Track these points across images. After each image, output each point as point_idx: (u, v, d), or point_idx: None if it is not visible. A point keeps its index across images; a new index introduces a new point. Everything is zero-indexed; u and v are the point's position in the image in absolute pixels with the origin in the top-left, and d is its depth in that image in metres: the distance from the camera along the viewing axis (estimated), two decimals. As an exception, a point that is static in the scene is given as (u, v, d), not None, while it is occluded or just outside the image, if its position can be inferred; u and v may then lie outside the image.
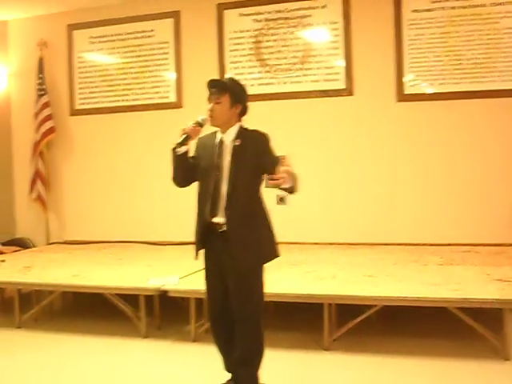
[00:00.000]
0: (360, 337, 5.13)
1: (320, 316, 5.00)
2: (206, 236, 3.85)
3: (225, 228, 3.76)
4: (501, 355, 4.67)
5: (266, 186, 3.69)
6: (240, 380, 3.94)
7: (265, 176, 3.73)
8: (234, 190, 3.72)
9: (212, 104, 3.77)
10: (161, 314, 5.79)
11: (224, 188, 3.75)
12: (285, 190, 3.61)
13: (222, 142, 3.82)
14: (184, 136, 3.77)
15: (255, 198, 3.87)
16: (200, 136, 3.91)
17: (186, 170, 3.89)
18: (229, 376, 4.07)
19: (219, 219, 3.77)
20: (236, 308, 3.83)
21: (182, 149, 3.79)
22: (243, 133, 3.84)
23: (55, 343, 5.49)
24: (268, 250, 3.89)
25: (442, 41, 6.82)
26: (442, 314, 5.09)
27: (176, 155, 3.82)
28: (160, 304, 5.75)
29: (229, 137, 3.82)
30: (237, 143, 3.78)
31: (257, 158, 3.75)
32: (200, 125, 3.80)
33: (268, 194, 3.96)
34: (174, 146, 3.81)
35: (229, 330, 3.91)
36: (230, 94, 3.77)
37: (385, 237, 6.97)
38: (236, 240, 3.74)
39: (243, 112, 3.88)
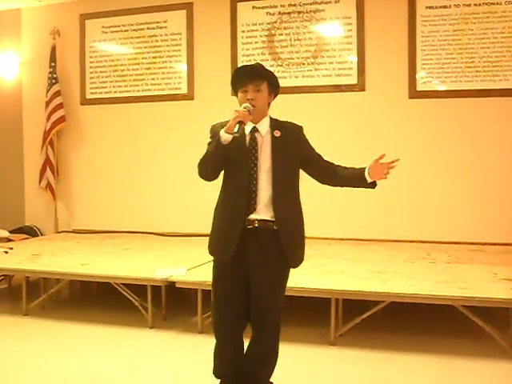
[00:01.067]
0: (367, 333, 5.13)
1: (327, 311, 5.01)
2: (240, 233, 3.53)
3: (257, 224, 3.51)
4: (508, 354, 4.66)
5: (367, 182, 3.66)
6: (257, 381, 3.77)
7: (368, 169, 3.66)
8: (279, 185, 3.52)
9: (251, 92, 3.50)
10: (167, 304, 5.80)
11: (262, 182, 3.51)
12: (372, 185, 3.67)
13: (256, 130, 3.57)
14: (239, 124, 3.38)
15: (296, 192, 3.69)
16: (215, 124, 3.62)
17: (223, 161, 3.53)
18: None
19: (256, 215, 3.52)
20: (263, 307, 3.59)
21: (229, 138, 3.40)
22: (278, 124, 3.63)
23: (62, 331, 5.51)
24: (304, 247, 3.76)
25: (455, 38, 6.80)
26: (449, 312, 5.08)
27: (223, 145, 3.42)
28: (167, 295, 5.77)
29: (263, 127, 3.57)
30: (276, 134, 3.56)
31: (300, 151, 3.62)
32: (249, 112, 3.44)
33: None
34: (222, 135, 3.41)
35: (240, 337, 3.75)
36: (267, 80, 3.58)
37: (394, 233, 6.97)
38: (287, 237, 3.54)
39: (272, 101, 3.69)
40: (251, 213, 3.51)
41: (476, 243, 6.65)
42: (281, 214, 3.53)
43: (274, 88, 3.66)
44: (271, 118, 3.66)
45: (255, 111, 3.49)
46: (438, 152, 6.91)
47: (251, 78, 3.53)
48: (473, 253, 6.29)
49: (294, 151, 3.60)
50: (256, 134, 3.56)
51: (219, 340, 3.78)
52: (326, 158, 3.78)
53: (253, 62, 7.25)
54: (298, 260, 3.69)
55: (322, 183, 3.85)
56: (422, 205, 6.96)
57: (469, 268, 5.59)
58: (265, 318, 3.63)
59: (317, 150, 3.77)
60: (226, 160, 3.51)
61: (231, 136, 3.40)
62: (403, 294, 4.77)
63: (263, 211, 3.52)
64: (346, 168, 3.77)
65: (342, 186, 3.82)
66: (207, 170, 3.59)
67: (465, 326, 5.02)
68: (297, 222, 3.67)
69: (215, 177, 3.61)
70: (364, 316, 5.02)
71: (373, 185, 3.66)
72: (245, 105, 3.47)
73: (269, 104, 3.67)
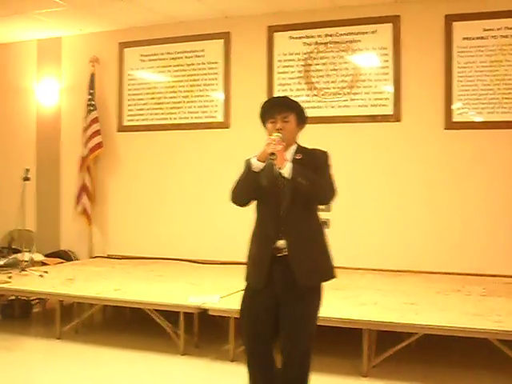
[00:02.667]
0: (399, 365, 5.08)
1: (359, 342, 4.96)
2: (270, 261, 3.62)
3: (286, 253, 3.58)
4: (543, 390, 4.58)
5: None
6: None
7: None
8: (294, 208, 3.58)
9: (280, 122, 3.66)
10: (200, 332, 5.80)
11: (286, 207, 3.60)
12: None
13: None
14: (272, 154, 3.49)
15: (314, 214, 3.74)
16: (249, 158, 3.67)
17: (254, 189, 3.65)
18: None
19: (283, 242, 3.60)
20: (289, 332, 3.62)
21: (260, 165, 3.57)
22: (303, 150, 3.73)
23: (94, 355, 5.54)
24: (327, 270, 3.74)
25: (492, 69, 6.77)
26: (483, 346, 5.01)
27: (253, 172, 3.58)
28: (199, 322, 5.77)
29: (289, 155, 3.65)
30: (297, 157, 3.65)
31: (314, 169, 3.62)
32: (282, 139, 3.57)
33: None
34: (253, 163, 3.58)
35: (269, 367, 3.74)
36: (295, 112, 3.72)
37: (429, 265, 6.90)
38: (298, 261, 3.56)
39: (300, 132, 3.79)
40: (279, 239, 3.59)
41: (512, 276, 6.56)
42: (291, 239, 3.58)
43: (302, 119, 3.78)
44: (299, 146, 3.77)
45: (284, 141, 3.58)
46: (475, 183, 6.84)
47: (280, 110, 3.69)
48: (508, 286, 6.20)
49: (312, 170, 3.61)
50: None
51: (248, 359, 3.78)
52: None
53: (288, 92, 7.39)
54: (309, 286, 3.63)
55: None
56: (456, 236, 6.89)
57: (504, 301, 5.51)
58: (294, 346, 3.64)
59: (334, 177, 3.73)
60: (258, 188, 3.61)
61: (262, 164, 3.53)
62: (437, 327, 4.71)
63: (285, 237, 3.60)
64: None
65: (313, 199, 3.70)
66: (239, 195, 3.72)
67: (499, 360, 4.94)
68: (311, 246, 3.66)
69: (247, 202, 3.74)
70: (397, 348, 4.97)
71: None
72: (275, 134, 3.58)
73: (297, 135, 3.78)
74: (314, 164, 3.66)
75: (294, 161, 3.62)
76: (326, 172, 3.70)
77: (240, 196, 3.72)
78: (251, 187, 3.64)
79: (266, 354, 3.73)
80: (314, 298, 3.69)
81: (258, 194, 3.68)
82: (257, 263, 3.69)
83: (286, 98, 3.87)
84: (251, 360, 3.76)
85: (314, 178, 3.55)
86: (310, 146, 3.80)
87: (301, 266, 3.56)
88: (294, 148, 3.73)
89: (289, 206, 3.58)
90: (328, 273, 3.74)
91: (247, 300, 3.78)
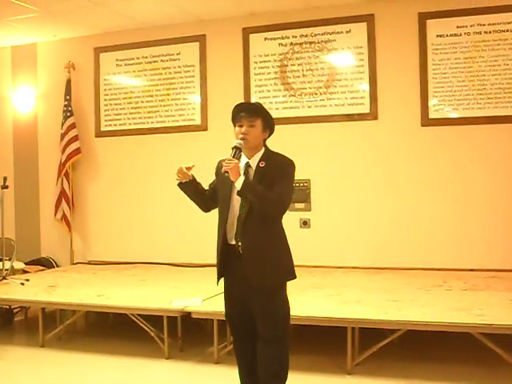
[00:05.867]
0: (383, 361, 5.10)
1: (343, 340, 4.98)
2: (228, 259, 3.91)
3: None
4: (526, 382, 4.62)
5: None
6: None
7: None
8: (251, 211, 3.72)
9: (245, 127, 3.78)
10: (183, 335, 5.78)
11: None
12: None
13: (248, 165, 3.81)
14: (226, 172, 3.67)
15: (273, 221, 3.85)
16: (221, 159, 3.90)
17: (196, 197, 4.25)
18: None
19: (240, 244, 3.81)
20: (260, 329, 3.83)
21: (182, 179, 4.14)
22: (269, 155, 3.85)
23: (78, 362, 5.51)
24: (286, 270, 3.88)
25: (466, 66, 6.83)
26: (466, 340, 5.05)
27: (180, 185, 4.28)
28: (183, 325, 5.75)
29: (255, 161, 3.82)
30: (261, 165, 3.79)
31: (274, 178, 3.74)
32: (239, 150, 3.72)
33: (291, 218, 3.97)
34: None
35: (252, 353, 3.93)
36: (262, 118, 3.82)
37: (409, 261, 6.94)
38: (252, 261, 3.75)
39: (267, 138, 3.92)
40: (238, 239, 3.84)
41: (492, 270, 6.60)
42: (247, 239, 3.77)
43: (268, 125, 3.89)
44: (265, 151, 3.89)
45: (248, 145, 3.78)
46: (452, 179, 6.89)
47: (247, 114, 3.81)
48: (489, 279, 6.25)
49: (272, 180, 3.73)
50: (249, 169, 3.81)
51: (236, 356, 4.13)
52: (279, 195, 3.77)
53: (265, 93, 7.42)
54: (264, 285, 3.77)
55: None
56: (436, 232, 6.94)
57: (485, 295, 5.56)
58: (262, 335, 3.84)
59: (285, 188, 3.81)
60: (209, 195, 4.15)
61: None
62: (419, 322, 4.75)
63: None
64: None
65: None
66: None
67: (482, 353, 4.97)
68: (267, 247, 3.80)
69: (206, 209, 4.23)
70: (380, 344, 4.99)
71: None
72: (237, 142, 3.75)
73: (264, 140, 3.90)
74: (275, 173, 3.77)
75: (257, 169, 3.79)
76: (283, 184, 3.77)
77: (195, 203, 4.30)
78: (191, 198, 4.33)
79: (244, 342, 4.02)
80: (275, 293, 3.83)
81: (216, 202, 4.06)
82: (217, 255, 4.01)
83: (253, 103, 4.09)
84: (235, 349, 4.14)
85: (263, 194, 3.68)
86: (279, 152, 3.92)
87: (252, 268, 3.75)
88: (260, 154, 3.85)
89: (246, 213, 3.74)
90: (286, 273, 3.89)
91: (226, 293, 4.08)
